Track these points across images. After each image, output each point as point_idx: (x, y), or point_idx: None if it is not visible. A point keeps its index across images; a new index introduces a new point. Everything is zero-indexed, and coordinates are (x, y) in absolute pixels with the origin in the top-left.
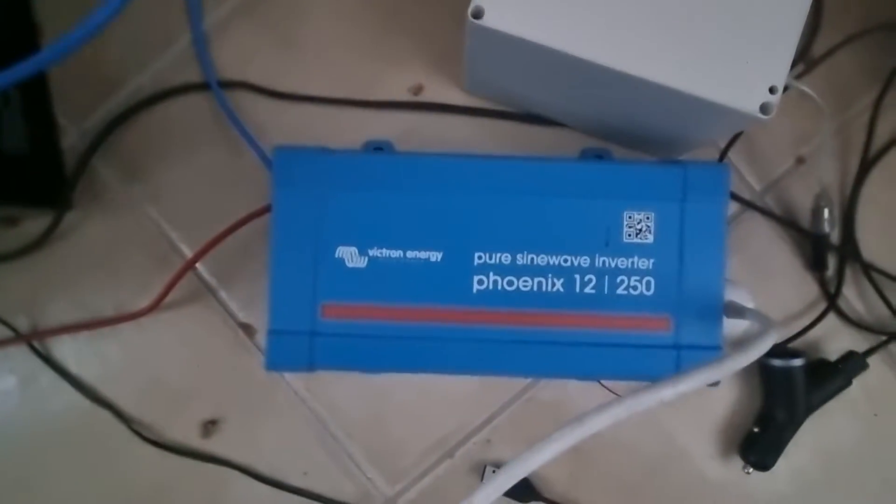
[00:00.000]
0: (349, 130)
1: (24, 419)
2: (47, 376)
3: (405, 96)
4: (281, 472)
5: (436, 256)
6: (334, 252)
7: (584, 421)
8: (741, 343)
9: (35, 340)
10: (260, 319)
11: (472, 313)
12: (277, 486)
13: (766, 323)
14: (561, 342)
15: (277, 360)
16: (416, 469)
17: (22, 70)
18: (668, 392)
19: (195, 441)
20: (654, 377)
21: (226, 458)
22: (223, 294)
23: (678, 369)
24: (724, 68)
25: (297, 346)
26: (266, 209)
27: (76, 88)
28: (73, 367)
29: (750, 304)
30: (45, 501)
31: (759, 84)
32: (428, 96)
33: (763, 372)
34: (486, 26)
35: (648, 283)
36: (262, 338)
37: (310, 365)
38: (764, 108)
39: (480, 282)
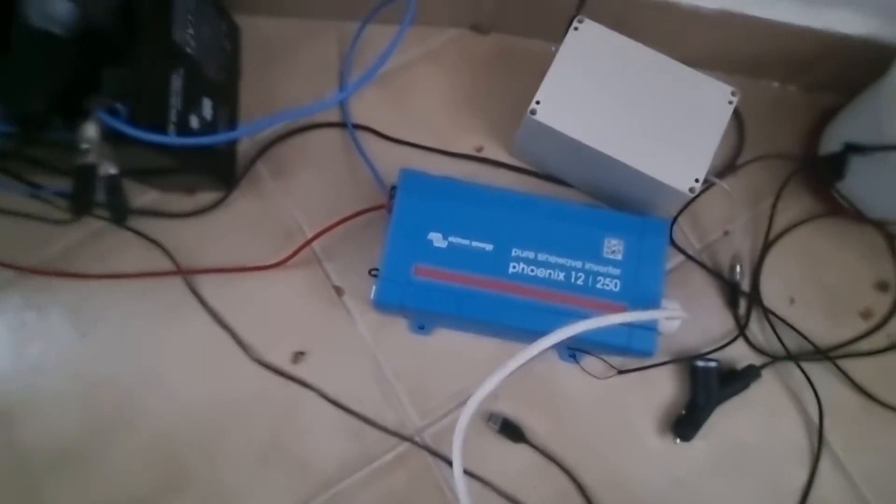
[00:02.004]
0: (432, 169)
1: (163, 336)
2: (189, 304)
3: (470, 151)
4: (342, 397)
5: (488, 247)
6: (426, 235)
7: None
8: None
9: (187, 275)
10: (349, 284)
11: (506, 285)
12: (338, 406)
13: (676, 312)
14: (557, 312)
15: (382, 299)
16: (440, 410)
17: (247, 130)
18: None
19: (287, 366)
20: (610, 342)
21: (306, 381)
22: (326, 265)
23: (628, 339)
24: (669, 162)
25: (395, 291)
26: (368, 210)
27: (257, 111)
28: (210, 299)
29: (679, 313)
30: (172, 396)
31: (689, 175)
32: (486, 154)
33: (692, 371)
34: (537, 120)
35: (616, 283)
36: (348, 298)
37: (401, 306)
38: (691, 190)
39: (514, 266)
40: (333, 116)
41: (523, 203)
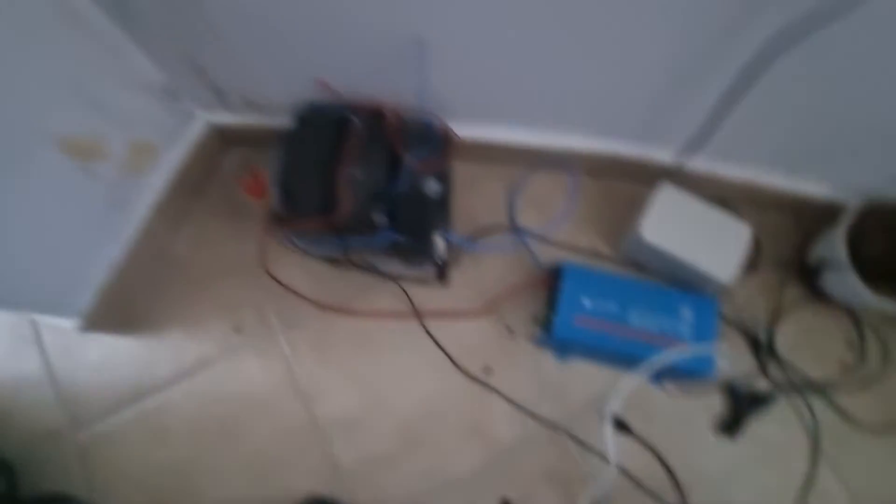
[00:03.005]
0: (565, 257)
1: (404, 356)
2: (420, 334)
3: (589, 248)
4: (516, 397)
5: (615, 307)
6: (581, 299)
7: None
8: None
9: (421, 317)
10: (517, 325)
11: (627, 330)
12: (521, 409)
13: (726, 351)
14: (655, 348)
15: (558, 335)
16: (581, 409)
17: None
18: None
19: (481, 376)
20: (686, 367)
21: (494, 388)
22: (503, 313)
23: (698, 366)
24: (713, 263)
25: (565, 331)
26: (535, 283)
27: (460, 225)
28: (433, 331)
29: (727, 352)
30: (410, 392)
31: (725, 272)
32: (599, 252)
33: (732, 392)
34: (642, 237)
35: (689, 331)
36: (518, 335)
37: (568, 340)
38: (728, 281)
39: (631, 319)
40: (500, 219)
41: (635, 284)
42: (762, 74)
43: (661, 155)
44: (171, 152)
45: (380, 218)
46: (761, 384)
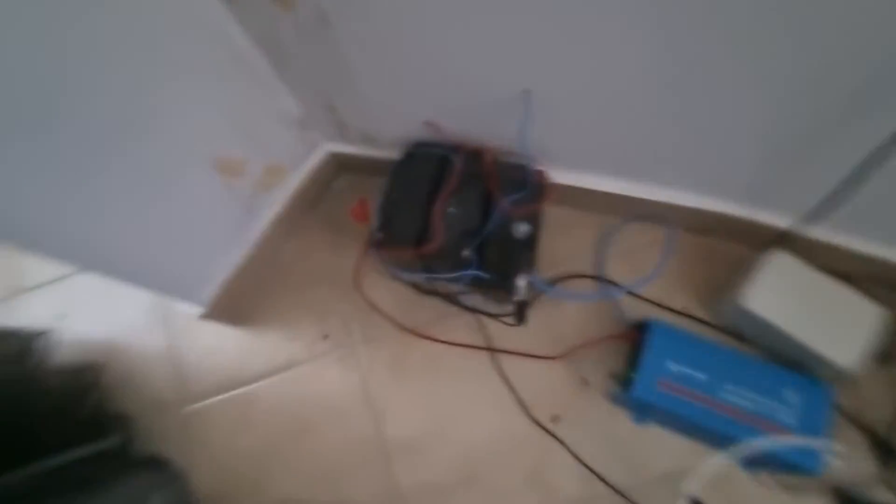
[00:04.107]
0: (651, 314)
1: (468, 387)
2: (491, 370)
3: (679, 307)
4: (581, 453)
5: (703, 377)
6: (666, 362)
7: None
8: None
9: (494, 351)
10: (593, 378)
11: (716, 404)
12: (586, 466)
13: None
14: (748, 429)
15: (637, 396)
16: (657, 482)
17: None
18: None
19: (548, 424)
20: (787, 458)
21: (559, 437)
22: (578, 362)
23: (801, 458)
24: (832, 345)
25: (646, 393)
26: (617, 337)
27: (540, 265)
28: (505, 370)
29: (843, 450)
30: (471, 426)
31: (846, 357)
32: (692, 314)
33: (841, 496)
34: (747, 305)
35: (792, 417)
36: (593, 387)
37: (648, 403)
38: (851, 368)
39: (723, 392)
40: (587, 267)
41: (731, 354)
42: None
43: (775, 218)
44: (295, 174)
45: (468, 254)
46: (882, 495)
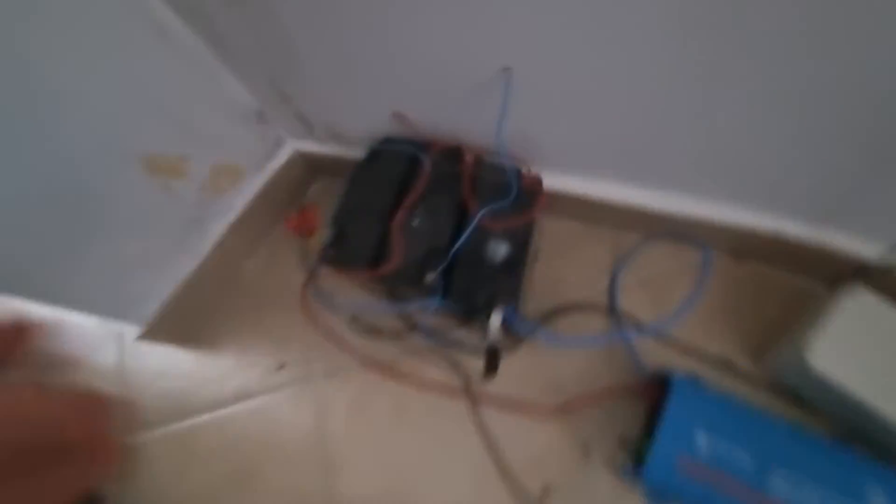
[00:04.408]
0: (674, 363)
1: (440, 435)
2: (467, 421)
3: (715, 356)
4: None
5: (747, 458)
6: (693, 433)
7: None
8: None
9: (475, 406)
10: (597, 444)
11: (763, 499)
12: None
13: None
14: None
15: (650, 477)
16: None
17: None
18: None
19: (536, 496)
20: None
21: None
22: (581, 422)
23: None
24: None
25: (661, 473)
26: (629, 390)
27: (541, 290)
28: (486, 422)
29: None
30: (440, 485)
31: None
32: (733, 365)
33: None
34: (810, 361)
35: None
36: (596, 456)
37: (663, 486)
38: None
39: (774, 484)
40: (600, 297)
41: (787, 428)
42: None
43: (855, 244)
44: (256, 177)
45: (432, 278)
46: None
